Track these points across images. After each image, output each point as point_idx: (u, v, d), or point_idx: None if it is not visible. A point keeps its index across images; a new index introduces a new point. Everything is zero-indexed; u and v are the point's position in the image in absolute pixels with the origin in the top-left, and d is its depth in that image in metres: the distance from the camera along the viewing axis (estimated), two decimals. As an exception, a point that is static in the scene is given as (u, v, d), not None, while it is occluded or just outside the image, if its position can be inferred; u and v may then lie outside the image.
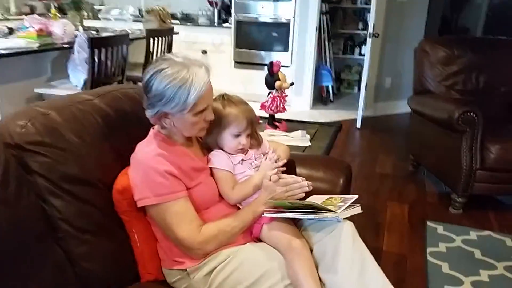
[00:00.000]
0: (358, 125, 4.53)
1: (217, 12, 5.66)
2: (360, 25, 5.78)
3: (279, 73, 2.15)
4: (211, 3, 5.66)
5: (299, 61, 5.07)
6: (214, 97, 1.43)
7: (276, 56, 5.09)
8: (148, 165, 1.26)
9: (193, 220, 1.28)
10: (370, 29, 4.18)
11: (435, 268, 2.15)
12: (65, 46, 3.21)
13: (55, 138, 1.21)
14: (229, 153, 1.42)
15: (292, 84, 2.21)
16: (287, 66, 5.03)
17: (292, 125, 2.40)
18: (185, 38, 5.12)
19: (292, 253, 1.23)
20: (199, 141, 1.49)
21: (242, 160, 1.43)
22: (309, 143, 2.10)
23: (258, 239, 1.38)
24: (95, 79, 3.02)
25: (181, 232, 1.25)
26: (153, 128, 1.40)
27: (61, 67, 3.32)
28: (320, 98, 5.47)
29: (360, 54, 5.84)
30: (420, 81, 3.20)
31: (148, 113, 1.30)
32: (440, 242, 2.38)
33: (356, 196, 1.35)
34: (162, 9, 4.18)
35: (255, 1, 5.04)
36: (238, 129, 1.39)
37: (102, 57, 2.95)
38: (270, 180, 1.34)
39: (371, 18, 4.20)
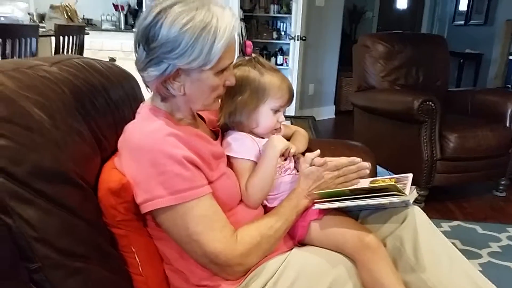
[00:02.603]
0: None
1: (123, 17, 5.18)
2: (274, 35, 5.72)
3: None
4: (116, 8, 5.17)
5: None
6: (239, 62, 1.10)
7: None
8: (157, 150, 0.86)
9: (225, 225, 0.91)
10: (298, 32, 4.07)
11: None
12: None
13: (14, 111, 0.76)
14: (260, 136, 1.09)
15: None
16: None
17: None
18: (90, 46, 4.52)
19: (367, 252, 0.93)
20: (203, 120, 1.13)
21: None
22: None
23: (301, 243, 1.05)
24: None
25: (212, 243, 0.87)
26: (143, 104, 1.00)
27: None
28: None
29: (276, 63, 5.77)
30: (363, 77, 3.12)
31: (151, 74, 0.89)
32: (419, 237, 2.26)
33: (411, 175, 1.10)
34: (68, 5, 3.58)
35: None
36: (280, 101, 1.08)
37: (8, 50, 2.34)
38: (312, 165, 1.04)
39: (295, 20, 4.10)
